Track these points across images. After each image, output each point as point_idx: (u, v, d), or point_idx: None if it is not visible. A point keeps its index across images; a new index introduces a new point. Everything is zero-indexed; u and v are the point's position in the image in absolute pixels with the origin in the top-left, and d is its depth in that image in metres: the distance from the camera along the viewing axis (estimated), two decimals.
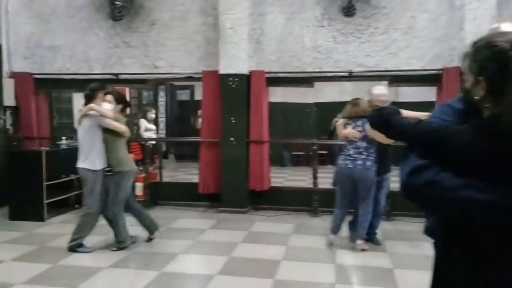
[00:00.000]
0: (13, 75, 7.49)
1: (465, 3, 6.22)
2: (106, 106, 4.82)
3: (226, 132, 6.84)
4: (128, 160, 5.02)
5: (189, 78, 7.39)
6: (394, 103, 11.00)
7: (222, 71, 6.84)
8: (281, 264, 4.60)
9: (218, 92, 6.89)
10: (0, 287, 3.91)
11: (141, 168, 6.89)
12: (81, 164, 4.78)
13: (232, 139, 6.82)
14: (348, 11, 6.68)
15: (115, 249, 4.88)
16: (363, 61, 6.73)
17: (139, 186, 6.80)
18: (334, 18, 6.80)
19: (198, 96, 9.50)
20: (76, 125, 5.64)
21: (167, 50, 7.23)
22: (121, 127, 4.81)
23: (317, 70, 6.88)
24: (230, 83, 6.81)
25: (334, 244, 5.06)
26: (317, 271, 4.46)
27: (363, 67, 6.72)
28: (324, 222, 5.92)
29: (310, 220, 6.47)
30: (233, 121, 6.82)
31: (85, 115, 4.77)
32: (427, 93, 7.54)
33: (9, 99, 7.34)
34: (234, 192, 6.82)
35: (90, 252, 4.82)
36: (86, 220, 4.84)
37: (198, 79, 7.22)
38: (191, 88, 12.67)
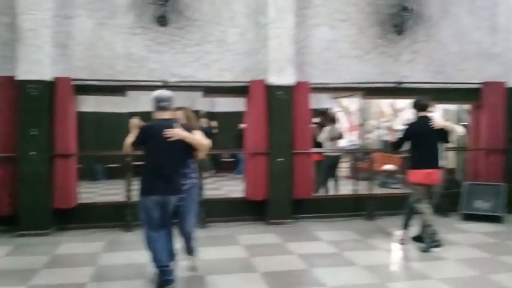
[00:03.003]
0: None
1: (269, 21, 6.72)
2: None
3: (25, 146, 6.08)
4: None
5: None
6: (210, 113, 11.45)
7: (21, 76, 6.08)
8: (88, 286, 4.22)
9: (14, 100, 6.09)
10: None
11: None
12: None
13: (33, 153, 6.08)
14: (162, 20, 6.61)
15: None
16: (178, 72, 6.74)
17: None
18: (148, 26, 6.66)
19: None
20: None
21: None
22: None
23: (131, 78, 6.63)
24: (30, 91, 6.09)
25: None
26: None
27: (178, 78, 6.72)
28: (138, 236, 5.68)
29: (123, 236, 6.16)
30: (34, 133, 6.10)
31: None
32: (240, 104, 7.89)
33: None
34: (34, 213, 6.08)
35: None
36: None
37: None
38: None
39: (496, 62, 7.54)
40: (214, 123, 11.70)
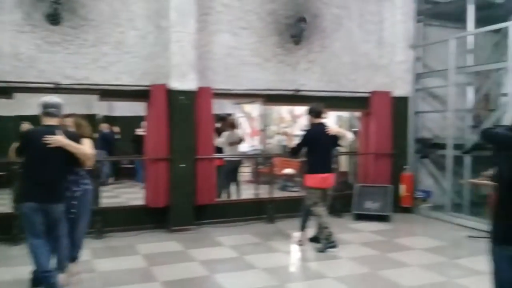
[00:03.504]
0: None
1: (170, 25, 6.63)
2: None
3: None
4: None
5: None
6: (107, 117, 10.99)
7: None
8: None
9: None
10: None
11: None
12: None
13: None
14: (54, 19, 6.19)
15: None
16: (72, 73, 6.36)
17: None
18: (38, 24, 6.20)
19: None
20: None
21: None
22: None
23: (18, 80, 6.12)
24: None
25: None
26: None
27: (71, 80, 6.34)
28: (25, 250, 5.23)
29: (9, 250, 5.64)
30: None
31: None
32: (141, 108, 7.67)
33: None
34: None
35: None
36: None
37: None
38: None
39: (383, 73, 8.20)
40: (116, 129, 11.26)
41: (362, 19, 8.11)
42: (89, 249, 5.38)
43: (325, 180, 5.72)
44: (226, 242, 6.16)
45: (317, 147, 5.74)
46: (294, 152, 6.00)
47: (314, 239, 5.96)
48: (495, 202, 2.63)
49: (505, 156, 2.52)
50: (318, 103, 6.00)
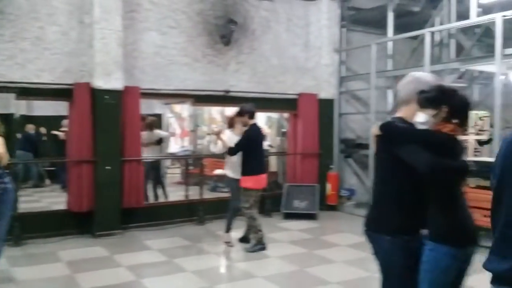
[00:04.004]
0: None
1: (94, 21, 6.36)
2: None
3: None
4: None
5: None
6: (26, 116, 10.33)
7: None
8: None
9: None
10: None
11: None
12: None
13: None
14: None
15: None
16: None
17: None
18: None
19: None
20: None
21: None
22: None
23: None
24: None
25: None
26: None
27: None
28: None
29: None
30: None
31: None
32: (63, 107, 7.29)
33: None
34: None
35: None
36: None
37: None
38: None
39: (309, 76, 8.45)
40: (43, 129, 10.66)
41: (290, 23, 8.29)
42: (6, 257, 5.01)
43: (261, 180, 5.76)
44: (154, 245, 6.03)
45: (255, 148, 5.74)
46: (232, 153, 5.77)
47: (243, 239, 6.00)
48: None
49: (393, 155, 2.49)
50: (251, 104, 5.99)
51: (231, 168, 5.93)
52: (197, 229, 7.00)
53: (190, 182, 7.96)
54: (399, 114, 2.66)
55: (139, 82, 6.85)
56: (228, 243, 5.95)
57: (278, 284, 4.71)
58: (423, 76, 2.70)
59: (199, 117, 11.37)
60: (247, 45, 7.84)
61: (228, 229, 5.97)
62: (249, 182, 5.64)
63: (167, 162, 10.86)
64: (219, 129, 5.97)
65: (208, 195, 8.08)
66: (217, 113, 11.57)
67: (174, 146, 11.25)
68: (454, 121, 2.41)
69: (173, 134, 11.19)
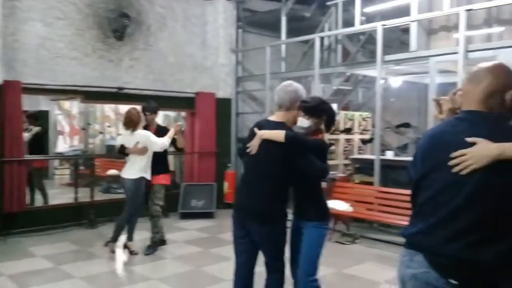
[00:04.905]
0: None
1: None
2: None
3: None
4: None
5: None
6: None
7: None
8: None
9: None
10: None
11: None
12: None
13: None
14: None
15: None
16: None
17: None
18: None
19: None
20: None
21: None
22: None
23: None
24: None
25: None
26: None
27: None
28: None
29: None
30: None
31: None
32: None
33: None
34: None
35: None
36: None
37: None
38: None
39: (207, 75, 8.46)
40: None
41: (187, 21, 8.22)
42: None
43: (168, 178, 5.89)
44: (39, 252, 5.60)
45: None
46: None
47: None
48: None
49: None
50: (153, 102, 5.85)
51: (137, 169, 5.44)
52: (87, 233, 6.64)
53: (80, 183, 7.51)
54: (277, 118, 3.08)
55: (21, 76, 6.32)
56: (133, 252, 5.64)
57: (173, 286, 4.65)
58: (299, 87, 3.13)
59: (91, 115, 10.81)
60: (142, 41, 7.61)
61: (131, 237, 5.68)
62: (165, 179, 5.72)
63: (55, 163, 10.18)
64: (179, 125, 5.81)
65: (100, 196, 7.69)
66: (111, 111, 11.08)
67: (63, 145, 10.56)
68: (327, 128, 3.08)
69: (61, 133, 10.50)
